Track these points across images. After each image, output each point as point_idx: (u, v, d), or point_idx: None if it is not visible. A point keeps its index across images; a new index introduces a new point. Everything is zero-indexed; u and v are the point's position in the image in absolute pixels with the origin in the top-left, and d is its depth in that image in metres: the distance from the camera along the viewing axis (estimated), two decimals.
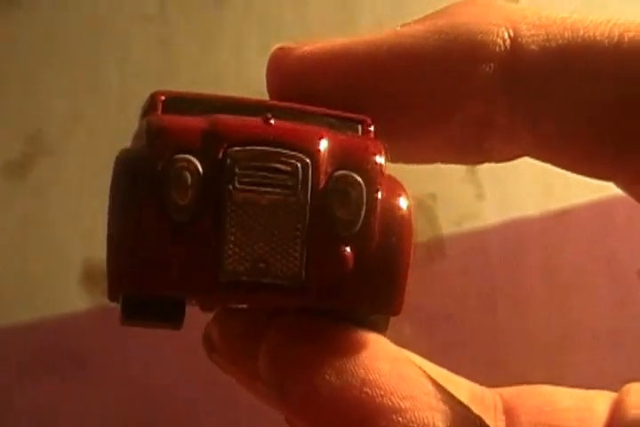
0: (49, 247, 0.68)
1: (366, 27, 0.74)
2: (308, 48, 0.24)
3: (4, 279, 0.68)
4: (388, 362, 0.21)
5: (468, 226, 0.65)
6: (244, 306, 0.22)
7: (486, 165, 0.27)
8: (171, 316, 0.21)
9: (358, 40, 0.24)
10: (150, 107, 0.22)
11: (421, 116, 0.24)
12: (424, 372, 0.22)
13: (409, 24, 0.24)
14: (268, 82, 0.25)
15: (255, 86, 0.78)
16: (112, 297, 0.21)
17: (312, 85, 0.24)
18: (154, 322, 0.21)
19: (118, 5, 0.75)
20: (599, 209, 0.62)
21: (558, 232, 0.61)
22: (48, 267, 0.67)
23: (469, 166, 0.61)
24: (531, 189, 0.65)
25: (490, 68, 0.23)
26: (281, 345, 0.21)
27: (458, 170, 0.65)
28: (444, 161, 0.27)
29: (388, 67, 0.23)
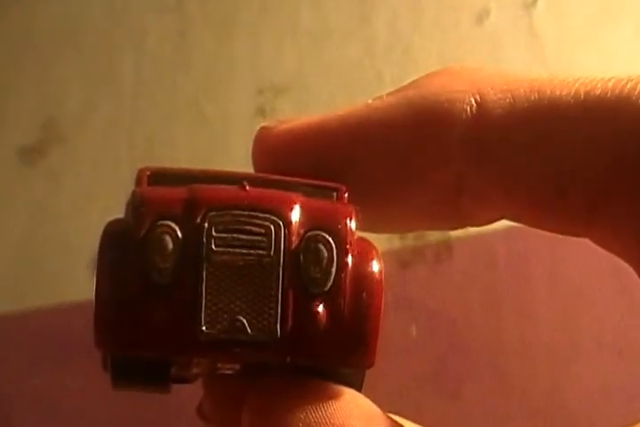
0: (59, 234, 0.68)
1: (382, 20, 0.74)
2: (285, 126, 0.25)
3: (14, 266, 0.68)
4: (362, 420, 0.21)
5: (475, 229, 0.65)
6: (229, 371, 0.23)
7: None
8: (157, 379, 0.22)
9: (332, 115, 0.25)
10: (137, 181, 0.23)
11: (395, 185, 0.24)
12: None
13: (380, 97, 0.25)
14: (252, 160, 0.26)
15: (269, 79, 0.78)
16: (103, 364, 0.22)
17: (291, 160, 0.25)
18: (141, 385, 0.22)
19: None
20: None
21: (565, 239, 0.60)
22: (58, 254, 0.68)
23: None
24: None
25: (457, 134, 0.23)
26: (261, 409, 0.21)
27: None
28: (425, 228, 0.27)
29: (360, 139, 0.24)
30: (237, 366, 0.23)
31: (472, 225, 0.26)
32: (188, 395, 0.25)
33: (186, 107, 0.70)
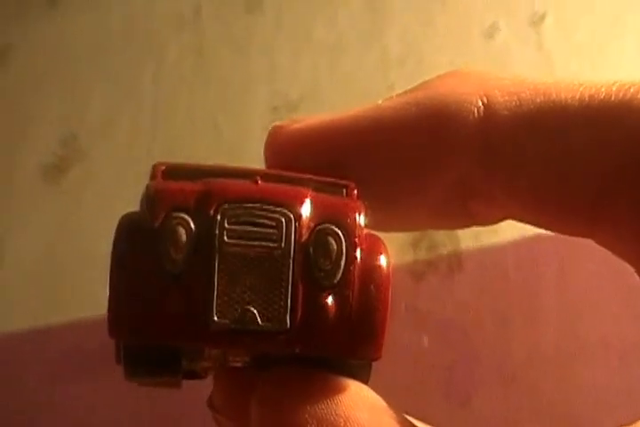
0: (80, 250, 0.69)
1: (395, 35, 0.75)
2: (297, 125, 0.25)
3: (36, 282, 0.69)
4: (366, 411, 0.21)
5: (485, 241, 0.66)
6: (238, 364, 0.24)
7: None
8: (168, 368, 0.22)
9: (343, 115, 0.25)
10: (152, 176, 0.23)
11: (403, 184, 0.25)
12: (404, 420, 0.22)
13: (390, 98, 0.25)
14: (265, 157, 0.26)
15: (286, 91, 0.79)
16: (116, 357, 0.23)
17: (302, 158, 0.25)
18: (153, 375, 0.22)
19: (154, 12, 0.76)
20: None
21: (572, 249, 0.61)
22: (79, 270, 0.69)
23: None
24: None
25: (464, 135, 0.24)
26: (268, 400, 0.21)
27: None
28: (432, 227, 0.27)
29: (370, 138, 0.25)
30: (247, 359, 0.24)
31: (478, 224, 0.27)
32: (200, 389, 0.25)
33: (203, 123, 0.71)
